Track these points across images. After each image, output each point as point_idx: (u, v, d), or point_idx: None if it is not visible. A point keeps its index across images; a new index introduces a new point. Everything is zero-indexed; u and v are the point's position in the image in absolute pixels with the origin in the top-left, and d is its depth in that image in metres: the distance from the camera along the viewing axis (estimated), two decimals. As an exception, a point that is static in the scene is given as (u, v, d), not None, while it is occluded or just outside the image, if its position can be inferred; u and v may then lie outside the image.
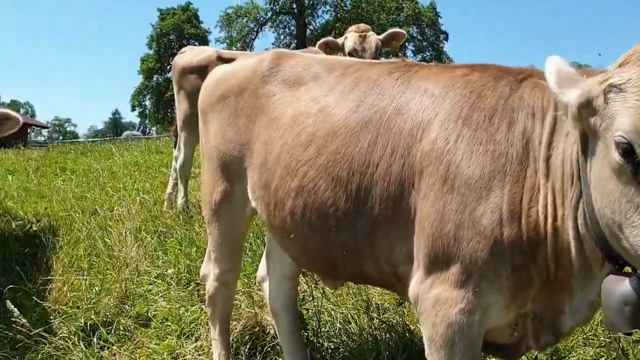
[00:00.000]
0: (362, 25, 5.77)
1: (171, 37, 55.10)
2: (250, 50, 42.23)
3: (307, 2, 50.46)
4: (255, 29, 51.24)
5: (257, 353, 3.41)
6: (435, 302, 2.01)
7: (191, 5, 56.68)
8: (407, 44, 53.73)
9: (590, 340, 3.37)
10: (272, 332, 3.51)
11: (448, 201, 1.97)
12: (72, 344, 3.35)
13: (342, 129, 2.28)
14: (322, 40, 5.80)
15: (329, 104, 2.40)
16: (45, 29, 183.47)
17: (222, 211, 2.92)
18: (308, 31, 50.13)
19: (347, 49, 5.51)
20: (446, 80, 2.17)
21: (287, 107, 2.56)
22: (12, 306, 3.42)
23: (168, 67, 56.77)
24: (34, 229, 5.88)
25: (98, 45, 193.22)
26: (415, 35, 53.81)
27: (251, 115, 2.72)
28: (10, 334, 3.46)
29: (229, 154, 2.80)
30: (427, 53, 55.51)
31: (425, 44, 55.08)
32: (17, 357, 3.38)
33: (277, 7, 50.86)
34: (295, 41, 49.74)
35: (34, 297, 3.62)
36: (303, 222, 2.36)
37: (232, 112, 2.82)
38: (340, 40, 5.70)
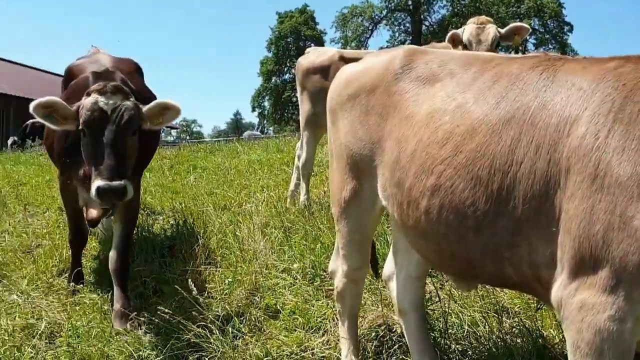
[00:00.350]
0: (482, 17, 5.59)
1: (289, 40, 56.66)
2: (365, 49, 42.43)
3: (422, -2, 49.75)
4: (370, 28, 51.33)
5: (384, 351, 3.42)
6: (580, 307, 1.90)
7: (308, 8, 57.91)
8: (528, 37, 51.17)
9: None
10: (398, 330, 3.50)
11: (597, 201, 1.86)
12: (209, 332, 3.54)
13: (482, 126, 2.22)
14: (450, 33, 5.70)
15: (467, 101, 2.34)
16: (175, 40, 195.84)
17: (351, 209, 2.95)
18: (424, 27, 49.44)
19: (464, 40, 5.37)
20: (596, 73, 2.05)
21: (421, 104, 2.53)
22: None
23: (285, 69, 58.49)
24: (171, 222, 6.30)
25: (221, 50, 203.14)
26: (537, 27, 51.16)
27: (383, 113, 2.71)
28: (156, 320, 3.72)
29: (359, 152, 2.82)
30: (550, 46, 52.60)
31: (547, 36, 52.17)
32: (161, 342, 3.64)
33: (392, 4, 50.57)
34: (410, 38, 49.19)
35: (176, 286, 3.85)
36: (439, 222, 2.32)
37: (362, 110, 2.83)
38: (460, 31, 5.57)
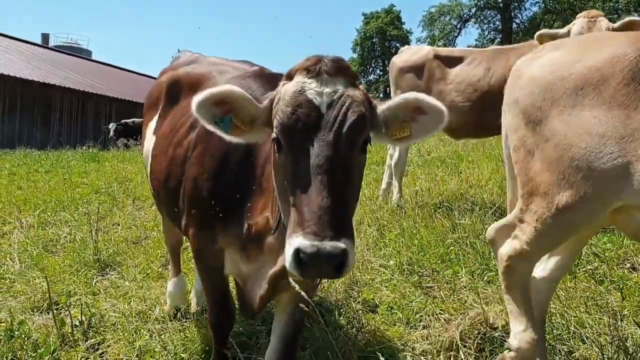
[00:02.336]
0: (593, 11, 5.37)
1: (374, 40, 56.64)
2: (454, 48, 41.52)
3: (513, -6, 48.15)
4: (458, 26, 50.40)
5: (485, 348, 3.41)
6: None
7: (394, 7, 57.62)
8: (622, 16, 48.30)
9: None
10: (500, 326, 3.49)
11: None
12: (310, 322, 3.66)
13: None
14: (539, 32, 5.51)
15: None
16: (254, 43, 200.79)
17: (566, 213, 2.64)
18: (514, 25, 47.86)
19: (572, 35, 5.17)
20: None
21: None
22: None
23: (370, 70, 58.43)
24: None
25: (307, 52, 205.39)
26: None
27: (629, 104, 2.45)
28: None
29: (593, 151, 2.52)
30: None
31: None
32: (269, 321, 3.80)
33: (482, 2, 49.34)
34: (500, 36, 47.80)
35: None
36: None
37: (595, 104, 2.56)
38: (566, 28, 5.37)
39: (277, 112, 2.06)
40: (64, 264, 5.38)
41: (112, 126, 26.41)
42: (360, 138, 2.01)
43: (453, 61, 6.53)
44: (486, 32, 50.29)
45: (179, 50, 4.36)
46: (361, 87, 2.16)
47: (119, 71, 45.41)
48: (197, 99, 2.10)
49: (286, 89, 2.08)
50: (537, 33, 5.43)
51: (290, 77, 2.14)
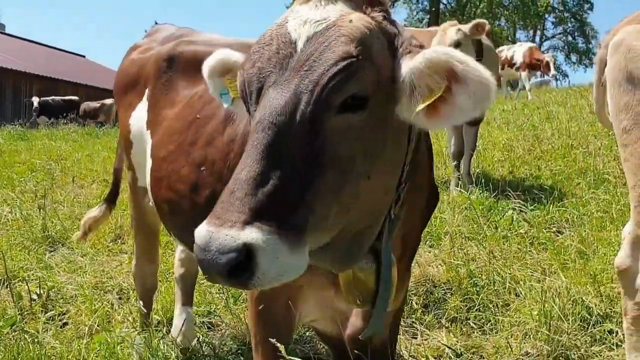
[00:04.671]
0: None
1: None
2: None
3: (440, -25, 49.29)
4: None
5: (429, 304, 3.73)
6: None
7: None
8: (546, 15, 50.69)
9: None
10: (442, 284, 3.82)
11: None
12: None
13: None
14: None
15: None
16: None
17: None
18: (442, 5, 49.01)
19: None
20: None
21: None
22: None
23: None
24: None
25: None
26: (556, 6, 50.60)
27: None
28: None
29: None
30: (569, 24, 52.09)
31: (566, 14, 51.63)
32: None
33: (411, -18, 50.19)
34: (428, 16, 48.90)
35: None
36: None
37: None
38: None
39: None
40: (11, 241, 5.32)
41: (35, 99, 25.35)
42: (341, 92, 1.32)
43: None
44: (415, 12, 51.26)
45: (156, 23, 3.59)
46: (382, 18, 1.47)
47: (37, 46, 43.12)
48: (207, 67, 1.69)
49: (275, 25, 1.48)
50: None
51: None
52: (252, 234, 1.17)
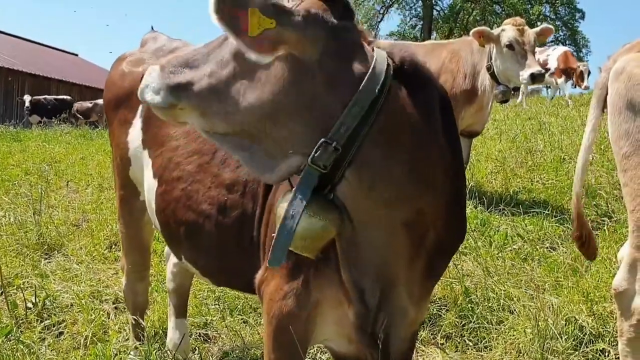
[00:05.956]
0: (518, 19, 5.81)
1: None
2: (376, 34, 42.29)
3: (435, -18, 49.48)
4: (381, 12, 51.15)
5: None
6: None
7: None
8: (538, 23, 50.87)
9: None
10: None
11: None
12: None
13: None
14: (476, 29, 5.84)
15: None
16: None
17: None
18: (435, 12, 49.22)
19: (504, 41, 5.56)
20: None
21: None
22: None
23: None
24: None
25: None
26: (548, 14, 50.92)
27: None
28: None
29: None
30: (560, 33, 52.41)
31: (558, 23, 51.94)
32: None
33: (404, -12, 50.36)
34: (422, 23, 49.10)
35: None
36: None
37: None
38: (495, 32, 5.73)
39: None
40: (6, 247, 5.29)
41: (27, 97, 25.16)
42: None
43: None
44: (408, 18, 51.43)
45: (152, 28, 3.40)
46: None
47: (29, 44, 42.77)
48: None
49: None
50: (473, 30, 5.76)
51: None
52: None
